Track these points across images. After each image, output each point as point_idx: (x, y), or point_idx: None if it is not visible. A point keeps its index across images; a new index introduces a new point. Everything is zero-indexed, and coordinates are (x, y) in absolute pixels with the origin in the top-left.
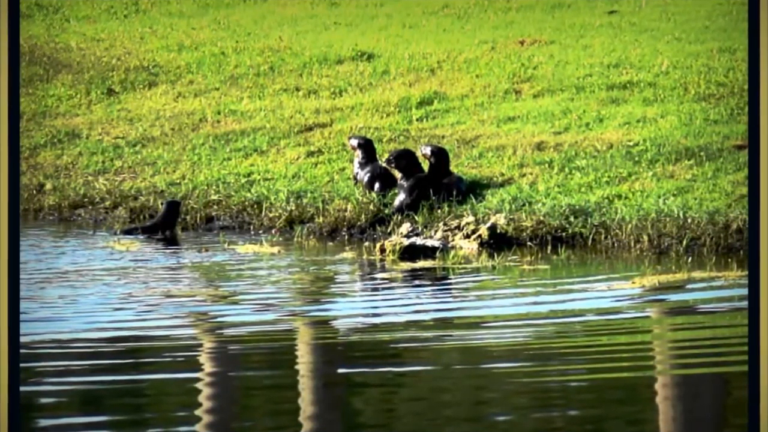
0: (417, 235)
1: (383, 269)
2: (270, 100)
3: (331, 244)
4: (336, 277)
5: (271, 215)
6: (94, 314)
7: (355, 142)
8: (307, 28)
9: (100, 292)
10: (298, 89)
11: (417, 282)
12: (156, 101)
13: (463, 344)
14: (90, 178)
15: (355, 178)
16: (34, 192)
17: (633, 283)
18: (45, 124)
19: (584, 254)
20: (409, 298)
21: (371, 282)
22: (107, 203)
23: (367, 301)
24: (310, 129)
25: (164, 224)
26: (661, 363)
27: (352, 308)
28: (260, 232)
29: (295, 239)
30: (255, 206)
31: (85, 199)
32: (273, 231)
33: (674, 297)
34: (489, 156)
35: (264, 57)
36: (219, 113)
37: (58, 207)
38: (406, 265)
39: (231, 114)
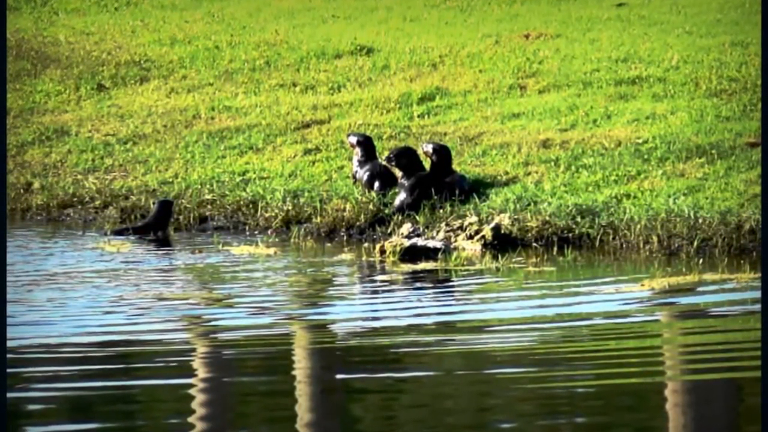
0: (418, 235)
1: (383, 271)
2: (266, 96)
3: (329, 245)
4: (334, 279)
5: (267, 215)
6: (84, 318)
7: (354, 140)
8: (305, 21)
9: (89, 295)
10: (294, 84)
11: (418, 284)
12: (148, 97)
13: (465, 349)
14: (79, 176)
15: (354, 176)
16: (22, 191)
17: (642, 285)
18: (33, 121)
19: (591, 256)
20: (410, 301)
21: (371, 284)
22: (97, 203)
23: (366, 304)
24: (308, 126)
25: (156, 224)
26: (671, 368)
27: (351, 311)
28: (256, 232)
29: (292, 240)
30: (250, 206)
31: (75, 199)
32: (269, 231)
33: (685, 300)
34: (493, 154)
35: (260, 51)
36: (213, 109)
37: (46, 206)
38: (407, 267)
39: (225, 110)
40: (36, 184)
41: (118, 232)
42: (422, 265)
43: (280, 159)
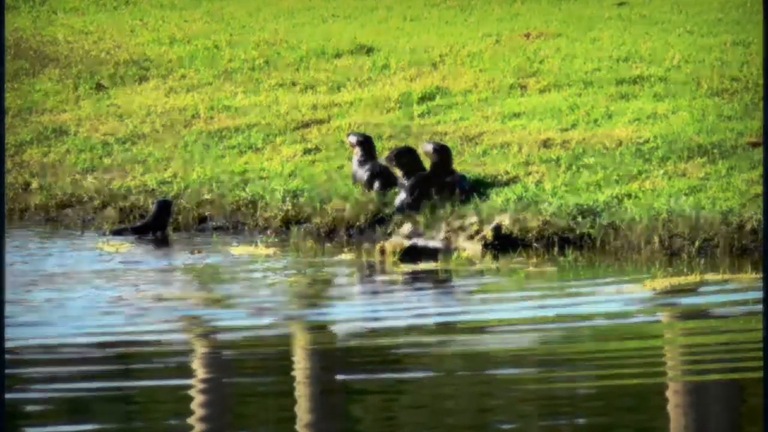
0: (419, 235)
1: (383, 271)
2: (265, 96)
3: (329, 245)
4: (334, 279)
5: (266, 215)
6: (82, 318)
7: (354, 139)
8: (304, 20)
9: (88, 296)
10: (294, 84)
11: (418, 285)
12: (147, 96)
13: (466, 350)
14: (78, 176)
15: (354, 176)
16: (20, 191)
17: (643, 285)
18: (31, 120)
19: (592, 256)
20: (411, 302)
21: (371, 285)
22: (96, 202)
23: (366, 305)
24: (307, 125)
25: (155, 224)
26: (672, 369)
27: (351, 312)
28: (255, 232)
29: (292, 240)
30: (250, 206)
31: (73, 199)
32: (268, 232)
33: (686, 300)
34: (493, 153)
35: (259, 50)
36: (212, 109)
37: (44, 206)
38: (408, 268)
39: (225, 110)
40: (34, 184)
41: (118, 232)
42: (422, 266)
43: (279, 159)
